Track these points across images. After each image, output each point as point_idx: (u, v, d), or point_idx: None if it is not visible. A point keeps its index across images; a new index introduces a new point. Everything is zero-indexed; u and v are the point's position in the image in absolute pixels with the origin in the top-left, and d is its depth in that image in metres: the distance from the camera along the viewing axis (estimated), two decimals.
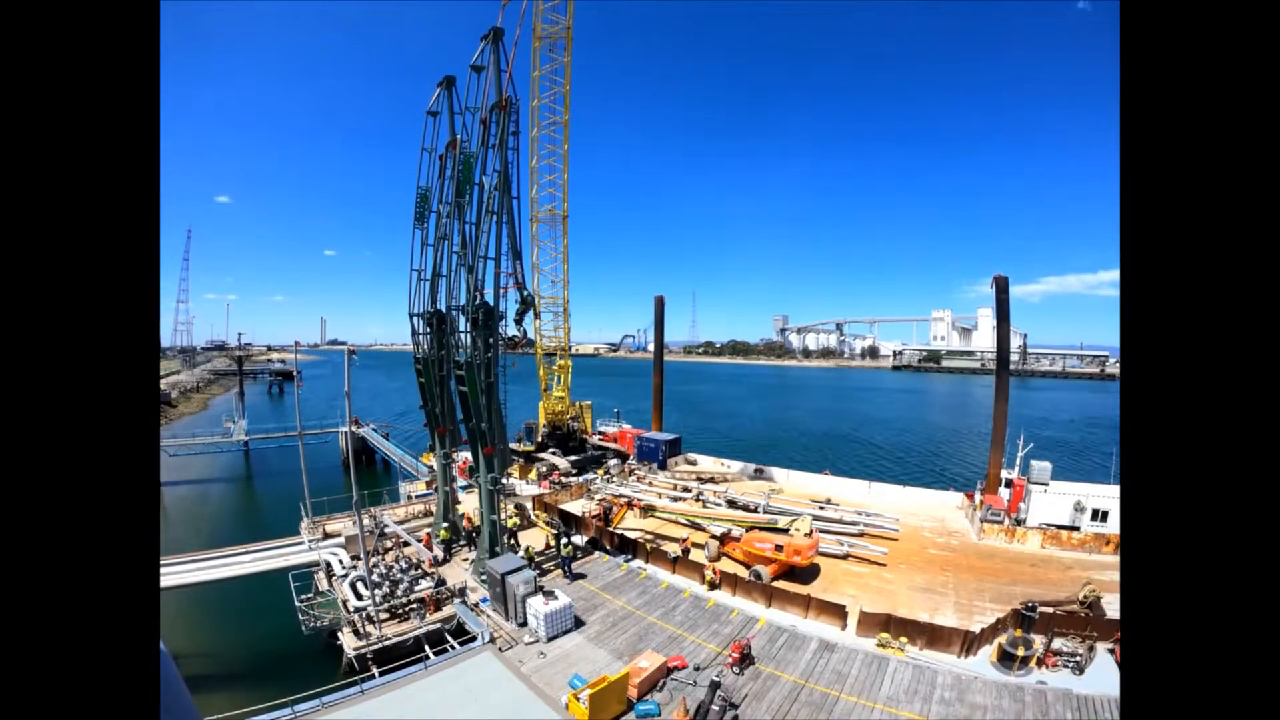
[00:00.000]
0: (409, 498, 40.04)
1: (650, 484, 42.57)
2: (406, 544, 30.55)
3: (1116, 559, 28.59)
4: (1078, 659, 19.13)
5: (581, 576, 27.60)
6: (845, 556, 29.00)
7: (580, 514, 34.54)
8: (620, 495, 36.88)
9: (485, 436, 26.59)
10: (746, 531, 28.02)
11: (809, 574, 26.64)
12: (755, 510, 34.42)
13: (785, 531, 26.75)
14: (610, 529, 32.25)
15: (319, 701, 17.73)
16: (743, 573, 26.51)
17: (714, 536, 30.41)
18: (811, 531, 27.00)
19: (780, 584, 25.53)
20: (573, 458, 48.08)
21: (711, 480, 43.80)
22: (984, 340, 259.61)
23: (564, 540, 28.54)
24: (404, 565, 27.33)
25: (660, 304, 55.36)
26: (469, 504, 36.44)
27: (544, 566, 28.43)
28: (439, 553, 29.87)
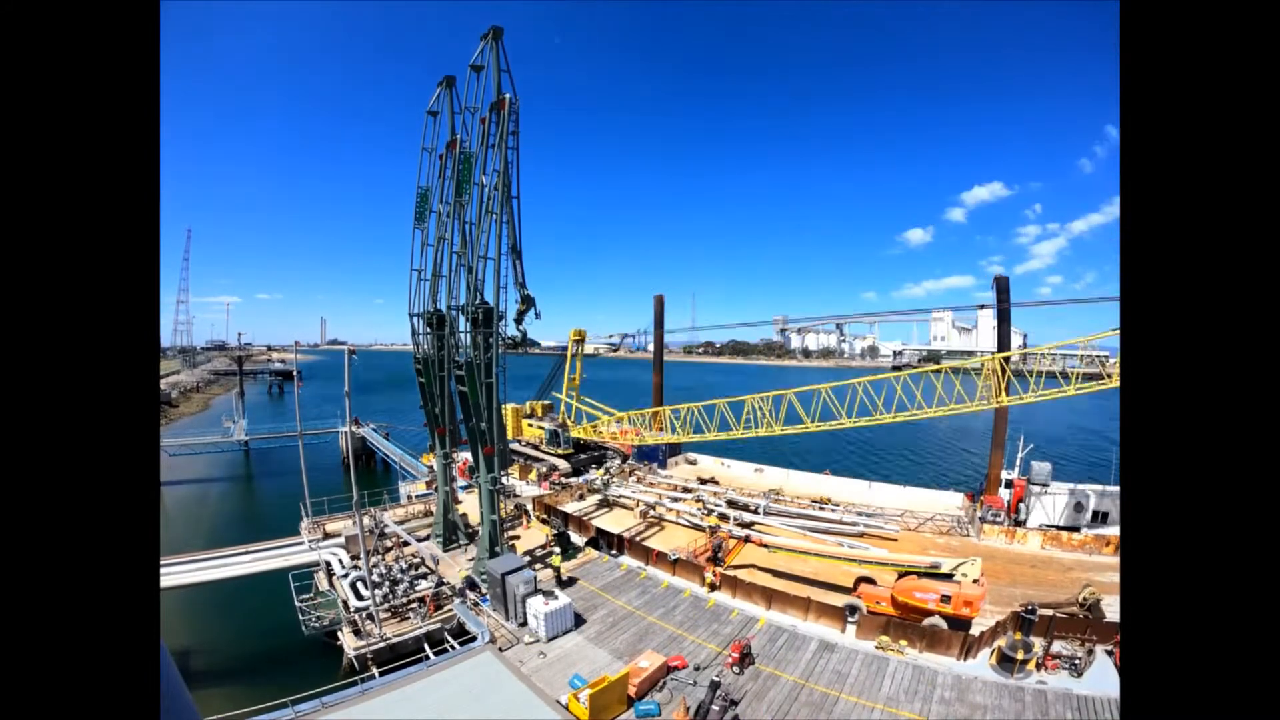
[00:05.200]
0: (409, 498, 40.07)
1: (650, 484, 42.59)
2: (406, 544, 30.56)
3: (1116, 560, 28.59)
4: (1076, 662, 19.11)
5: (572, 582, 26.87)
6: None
7: (683, 554, 28.36)
8: (733, 530, 31.07)
9: (485, 436, 26.59)
10: (899, 578, 23.19)
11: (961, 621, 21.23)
12: (756, 510, 34.46)
13: (950, 577, 22.13)
14: (722, 569, 26.49)
15: (319, 701, 17.71)
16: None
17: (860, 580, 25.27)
18: (981, 577, 22.36)
19: (779, 586, 25.52)
20: (581, 456, 48.14)
21: (712, 480, 43.85)
22: (985, 340, 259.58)
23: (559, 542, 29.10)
24: (404, 565, 27.36)
25: (660, 304, 55.35)
26: (469, 504, 36.46)
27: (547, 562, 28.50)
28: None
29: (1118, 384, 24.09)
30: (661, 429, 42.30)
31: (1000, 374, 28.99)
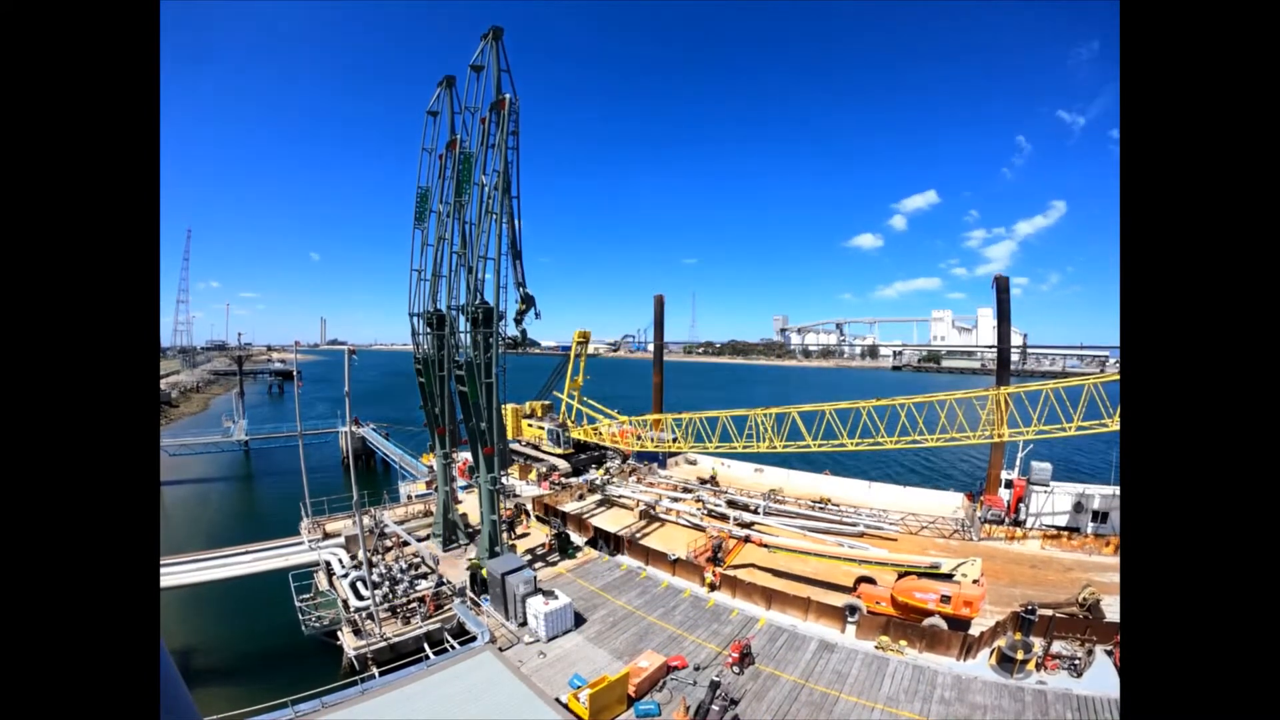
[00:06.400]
0: (409, 498, 40.06)
1: (650, 484, 42.59)
2: (406, 544, 30.55)
3: (1116, 560, 28.59)
4: (1076, 662, 19.12)
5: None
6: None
7: (685, 553, 28.54)
8: (733, 530, 31.03)
9: (485, 436, 26.59)
10: (899, 578, 23.27)
11: (961, 622, 21.25)
12: (756, 510, 34.47)
13: (949, 577, 22.18)
14: (722, 570, 26.47)
15: (319, 701, 17.72)
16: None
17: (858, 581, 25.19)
18: (981, 578, 22.35)
19: (779, 586, 25.52)
20: (581, 456, 48.14)
21: (712, 480, 43.84)
22: (985, 339, 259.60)
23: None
24: (404, 565, 27.33)
25: (660, 303, 55.36)
26: (469, 504, 36.46)
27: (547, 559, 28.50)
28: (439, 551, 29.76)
29: (1117, 427, 24.36)
30: (663, 431, 42.36)
31: (1003, 407, 29.20)
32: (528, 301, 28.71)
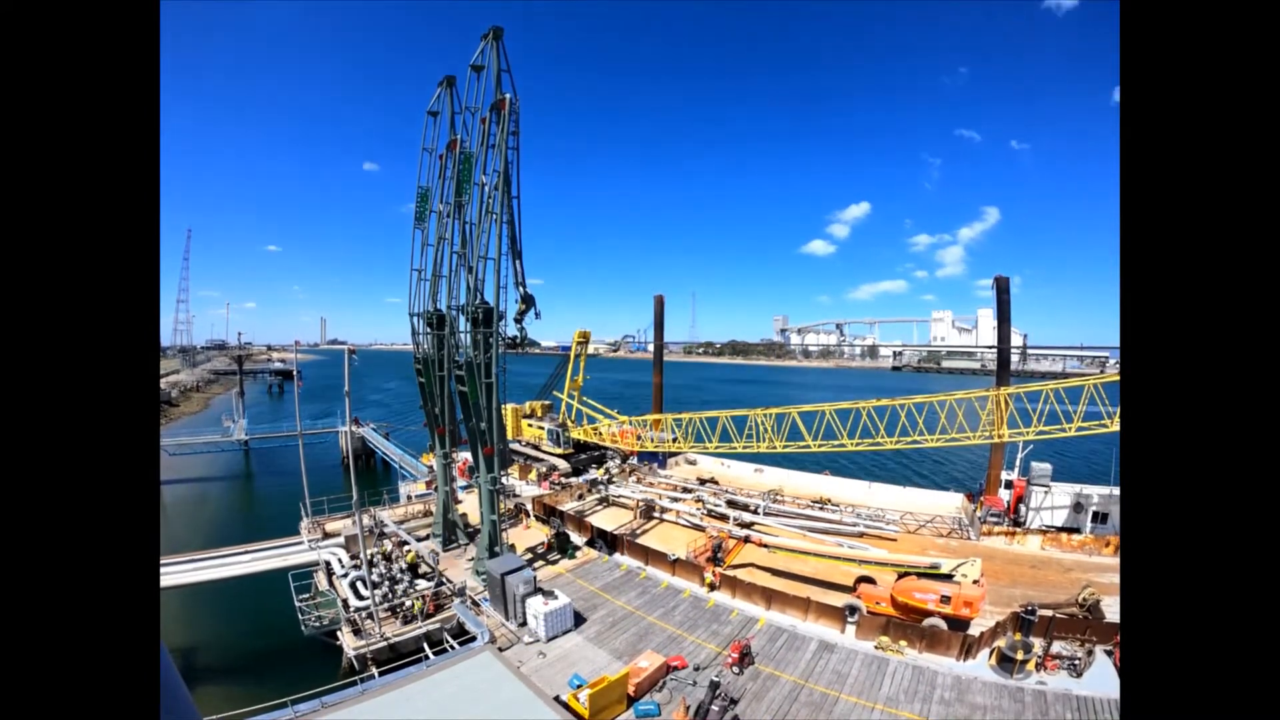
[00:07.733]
0: (408, 498, 40.05)
1: (650, 484, 42.58)
2: (405, 544, 30.55)
3: (1116, 560, 28.58)
4: (1076, 663, 19.11)
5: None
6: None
7: (685, 553, 28.53)
8: (733, 530, 30.86)
9: (485, 436, 26.58)
10: (899, 578, 23.20)
11: (958, 621, 21.35)
12: (755, 510, 34.47)
13: (949, 578, 22.20)
14: (721, 570, 26.40)
15: (319, 701, 17.71)
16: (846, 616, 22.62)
17: (859, 579, 25.22)
18: (981, 578, 22.37)
19: (779, 586, 25.52)
20: (581, 456, 48.13)
21: (712, 480, 43.82)
22: (985, 339, 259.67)
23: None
24: (403, 565, 27.32)
25: (660, 304, 55.37)
26: (469, 504, 36.46)
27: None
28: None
29: (1117, 428, 24.42)
30: (662, 431, 42.35)
31: (1003, 408, 29.22)
32: (528, 301, 28.69)
